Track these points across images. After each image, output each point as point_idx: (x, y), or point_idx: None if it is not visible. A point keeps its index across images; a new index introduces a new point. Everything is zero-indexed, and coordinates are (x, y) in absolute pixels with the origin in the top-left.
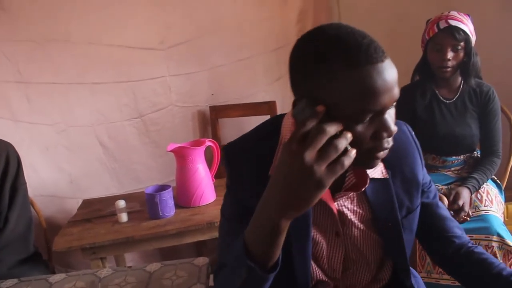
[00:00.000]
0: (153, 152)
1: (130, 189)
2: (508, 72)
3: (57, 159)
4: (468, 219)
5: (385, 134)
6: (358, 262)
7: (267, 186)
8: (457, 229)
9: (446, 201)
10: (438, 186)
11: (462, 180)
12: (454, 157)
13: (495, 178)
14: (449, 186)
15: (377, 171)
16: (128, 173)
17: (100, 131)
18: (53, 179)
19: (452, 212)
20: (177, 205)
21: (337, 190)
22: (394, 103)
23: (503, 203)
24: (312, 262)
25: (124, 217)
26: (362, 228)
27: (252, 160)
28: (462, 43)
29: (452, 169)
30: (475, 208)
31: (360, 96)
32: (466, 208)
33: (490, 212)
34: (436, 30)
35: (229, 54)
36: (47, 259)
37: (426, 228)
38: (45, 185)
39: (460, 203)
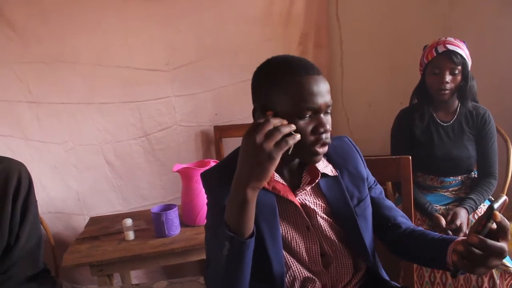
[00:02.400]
0: (158, 171)
1: (135, 206)
2: (503, 93)
3: (65, 176)
4: None
5: (321, 129)
6: (335, 254)
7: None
8: (402, 218)
9: (443, 221)
10: (436, 206)
11: (459, 201)
12: (451, 178)
13: (492, 199)
14: (447, 207)
15: (328, 170)
16: (134, 190)
17: (107, 149)
18: (61, 196)
19: (450, 232)
20: (182, 224)
21: (296, 188)
22: (329, 110)
23: None
24: (293, 260)
25: (131, 235)
26: (326, 218)
27: (223, 177)
28: (459, 67)
29: (450, 189)
30: None
31: (300, 97)
32: (464, 228)
33: None
34: (434, 54)
35: (232, 75)
36: (54, 275)
37: (377, 218)
38: (53, 202)
39: (458, 223)
